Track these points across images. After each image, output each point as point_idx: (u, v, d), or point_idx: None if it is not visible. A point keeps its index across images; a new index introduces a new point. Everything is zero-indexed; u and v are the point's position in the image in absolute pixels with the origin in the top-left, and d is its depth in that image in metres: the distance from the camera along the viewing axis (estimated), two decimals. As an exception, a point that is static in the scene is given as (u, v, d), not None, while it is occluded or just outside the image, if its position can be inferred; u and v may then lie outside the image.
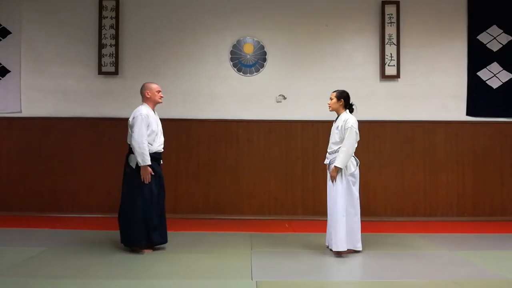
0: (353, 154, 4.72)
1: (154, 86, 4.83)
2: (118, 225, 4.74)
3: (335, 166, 4.62)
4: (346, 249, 4.61)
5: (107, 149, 6.88)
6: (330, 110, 4.90)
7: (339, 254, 4.61)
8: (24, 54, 6.95)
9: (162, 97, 4.86)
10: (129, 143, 4.70)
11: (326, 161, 4.87)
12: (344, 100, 4.80)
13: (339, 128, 4.71)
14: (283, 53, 7.05)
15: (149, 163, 4.57)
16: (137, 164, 4.58)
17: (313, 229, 5.22)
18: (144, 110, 4.69)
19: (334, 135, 4.77)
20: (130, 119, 4.68)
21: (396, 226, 6.35)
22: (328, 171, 4.81)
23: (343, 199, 4.62)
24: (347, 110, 4.81)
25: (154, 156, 4.70)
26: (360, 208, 4.78)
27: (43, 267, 4.16)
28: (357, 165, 4.73)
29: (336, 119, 4.86)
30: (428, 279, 3.95)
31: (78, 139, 6.92)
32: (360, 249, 4.75)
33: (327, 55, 7.04)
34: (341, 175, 4.65)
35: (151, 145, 4.67)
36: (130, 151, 4.67)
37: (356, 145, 4.71)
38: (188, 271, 4.14)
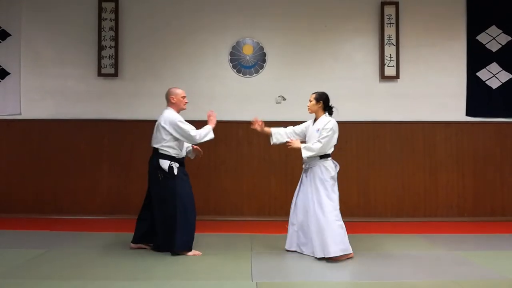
0: (332, 159, 4.60)
1: (179, 92, 4.77)
2: (160, 233, 4.61)
3: (302, 148, 4.50)
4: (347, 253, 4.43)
5: (107, 150, 6.89)
6: (309, 112, 4.75)
7: (335, 259, 4.40)
8: (24, 56, 6.94)
9: (187, 103, 4.82)
10: (156, 146, 4.61)
11: (305, 166, 4.70)
12: (323, 102, 4.64)
13: (320, 130, 4.55)
14: (283, 54, 7.05)
15: (211, 129, 4.72)
16: (169, 167, 4.54)
17: (313, 230, 5.23)
18: (175, 114, 4.66)
19: (313, 139, 4.59)
20: (167, 127, 4.56)
21: (396, 227, 6.34)
22: (304, 174, 4.68)
23: (329, 201, 4.46)
24: (327, 113, 4.66)
25: (182, 161, 4.73)
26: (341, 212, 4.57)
27: (43, 269, 4.15)
28: (336, 169, 4.59)
29: (314, 121, 4.72)
30: (428, 279, 3.95)
31: (78, 140, 6.92)
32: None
33: (326, 56, 7.04)
34: (323, 179, 4.50)
35: (181, 150, 4.71)
36: (159, 155, 4.58)
37: (332, 149, 4.59)
38: (188, 272, 4.13)
